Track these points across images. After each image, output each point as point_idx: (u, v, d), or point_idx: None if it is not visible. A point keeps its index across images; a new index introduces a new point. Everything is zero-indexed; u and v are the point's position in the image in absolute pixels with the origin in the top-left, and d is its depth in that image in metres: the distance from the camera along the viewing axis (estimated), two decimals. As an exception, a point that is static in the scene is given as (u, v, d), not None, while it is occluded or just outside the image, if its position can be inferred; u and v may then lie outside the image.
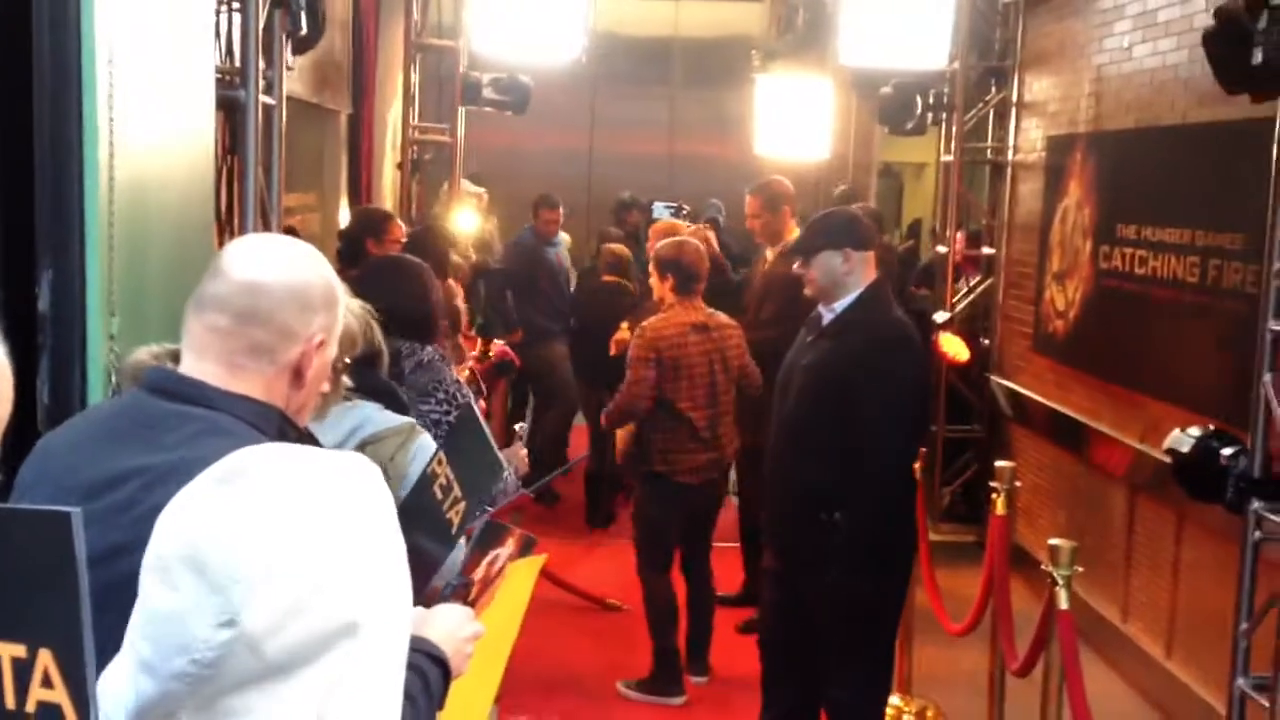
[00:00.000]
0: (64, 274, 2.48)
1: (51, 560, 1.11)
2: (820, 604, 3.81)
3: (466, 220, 8.49)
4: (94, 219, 2.49)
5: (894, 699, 5.07)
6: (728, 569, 6.50)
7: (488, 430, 2.23)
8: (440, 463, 2.07)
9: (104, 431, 1.70)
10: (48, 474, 1.68)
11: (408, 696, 1.56)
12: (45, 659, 1.11)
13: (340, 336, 1.80)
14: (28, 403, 2.37)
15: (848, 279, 3.86)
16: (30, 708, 1.11)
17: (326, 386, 1.81)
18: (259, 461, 1.25)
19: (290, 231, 4.78)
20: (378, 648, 1.20)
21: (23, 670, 1.12)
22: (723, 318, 5.34)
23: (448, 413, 3.41)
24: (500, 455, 2.25)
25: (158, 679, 1.16)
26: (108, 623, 1.29)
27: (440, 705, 1.72)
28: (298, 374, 1.71)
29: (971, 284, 8.01)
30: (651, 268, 5.43)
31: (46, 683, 1.11)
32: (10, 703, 1.12)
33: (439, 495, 2.01)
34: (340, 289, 1.79)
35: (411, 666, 1.66)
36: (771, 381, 4.24)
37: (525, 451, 3.70)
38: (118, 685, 1.22)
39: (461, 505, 2.04)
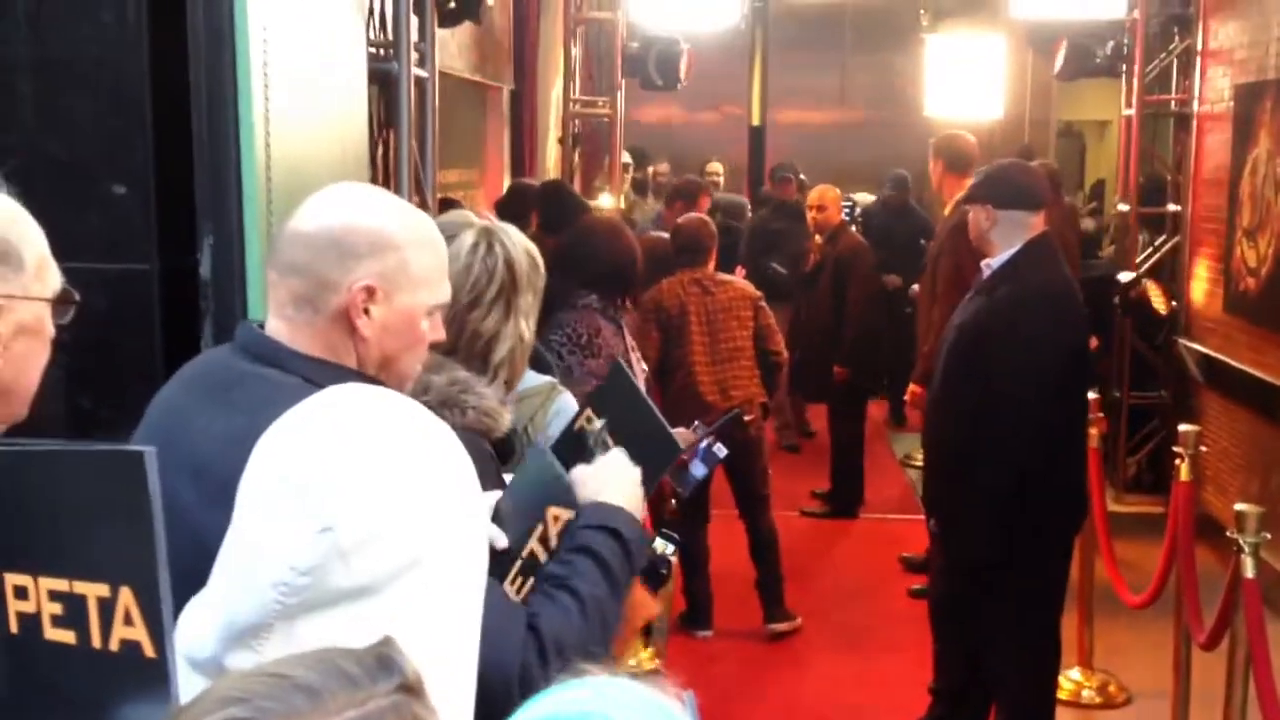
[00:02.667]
0: (224, 239, 2.54)
1: (128, 499, 1.13)
2: (966, 572, 3.69)
3: (602, 199, 7.20)
4: (251, 185, 2.55)
5: (1074, 673, 4.90)
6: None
7: (644, 396, 2.04)
8: (589, 420, 1.96)
9: (194, 387, 1.72)
10: (146, 429, 1.71)
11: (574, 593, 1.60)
12: (126, 597, 1.13)
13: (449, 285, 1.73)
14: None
15: (990, 235, 3.74)
16: (114, 646, 1.14)
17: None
18: (348, 396, 1.28)
19: (449, 204, 4.83)
20: (437, 585, 1.21)
21: (107, 609, 1.14)
22: (725, 276, 5.57)
23: (571, 353, 3.68)
24: (668, 428, 2.05)
25: (252, 596, 1.17)
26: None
27: (634, 573, 1.73)
28: (350, 325, 1.64)
29: (1156, 243, 7.65)
30: None
31: (128, 620, 1.13)
32: (96, 642, 1.15)
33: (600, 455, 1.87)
34: (411, 233, 1.68)
35: (585, 549, 1.66)
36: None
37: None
38: (197, 625, 1.23)
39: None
